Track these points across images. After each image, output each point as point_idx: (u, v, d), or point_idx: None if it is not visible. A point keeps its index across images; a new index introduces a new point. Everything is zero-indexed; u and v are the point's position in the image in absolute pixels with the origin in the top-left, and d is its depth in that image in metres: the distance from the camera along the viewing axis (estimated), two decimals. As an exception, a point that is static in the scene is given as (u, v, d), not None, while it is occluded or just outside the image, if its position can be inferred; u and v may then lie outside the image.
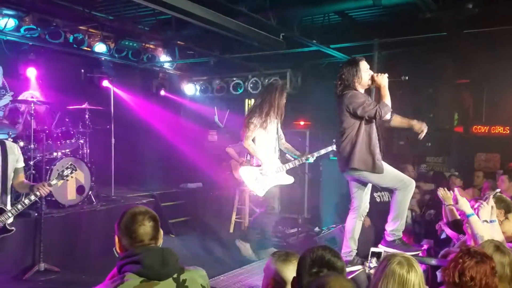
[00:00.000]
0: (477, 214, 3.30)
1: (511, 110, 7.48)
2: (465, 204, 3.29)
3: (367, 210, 4.21)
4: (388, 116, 3.81)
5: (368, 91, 4.12)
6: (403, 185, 3.93)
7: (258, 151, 4.87)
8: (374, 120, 3.86)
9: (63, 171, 3.72)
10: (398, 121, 4.12)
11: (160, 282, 1.86)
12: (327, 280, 1.53)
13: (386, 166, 3.94)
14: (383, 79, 3.80)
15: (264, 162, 4.87)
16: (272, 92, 4.95)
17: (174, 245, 5.74)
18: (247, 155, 5.38)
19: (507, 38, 6.12)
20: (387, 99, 3.79)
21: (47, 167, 5.52)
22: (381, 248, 3.94)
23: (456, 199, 3.37)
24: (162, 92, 9.21)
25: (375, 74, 3.86)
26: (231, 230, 7.26)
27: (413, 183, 3.97)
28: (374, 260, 2.65)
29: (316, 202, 7.71)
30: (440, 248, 4.65)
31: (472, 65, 7.16)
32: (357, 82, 3.85)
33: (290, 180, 5.03)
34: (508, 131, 7.69)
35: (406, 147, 7.05)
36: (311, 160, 5.07)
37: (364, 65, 3.89)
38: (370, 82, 3.90)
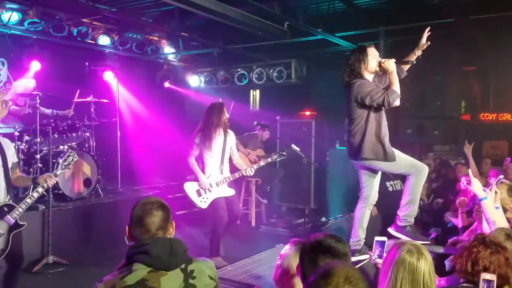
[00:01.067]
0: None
1: (518, 97, 7.41)
2: (478, 187, 3.23)
3: (376, 199, 4.20)
4: (397, 103, 3.72)
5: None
6: (416, 170, 3.90)
7: (197, 169, 5.23)
8: (383, 108, 3.82)
9: (65, 159, 3.75)
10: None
11: (168, 272, 1.86)
12: (332, 267, 1.51)
13: (397, 153, 3.92)
14: (390, 65, 3.74)
15: (201, 179, 5.19)
16: (212, 113, 5.20)
17: (182, 236, 5.73)
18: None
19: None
20: (395, 86, 3.72)
21: (54, 161, 5.53)
22: (392, 232, 3.95)
23: (469, 181, 3.30)
24: (167, 84, 9.20)
25: (382, 60, 3.80)
26: (238, 221, 7.29)
27: (426, 168, 3.95)
28: (378, 249, 2.63)
29: (322, 192, 7.70)
30: (447, 236, 4.65)
31: (479, 52, 7.07)
32: (363, 68, 3.80)
33: (231, 192, 5.35)
34: (516, 118, 7.62)
35: (414, 135, 7.00)
36: (251, 172, 5.35)
37: (371, 51, 3.84)
38: (377, 69, 3.84)
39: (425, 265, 1.99)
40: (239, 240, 5.82)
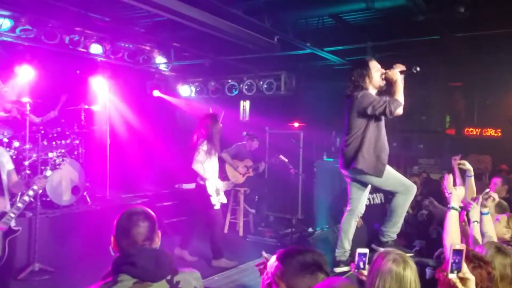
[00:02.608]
0: (468, 215, 3.31)
1: (502, 112, 7.58)
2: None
3: (363, 212, 4.24)
4: (399, 111, 3.69)
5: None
6: (404, 189, 3.92)
7: (207, 172, 5.52)
8: (383, 119, 3.83)
9: (54, 160, 3.73)
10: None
11: (154, 284, 1.86)
12: (334, 283, 1.54)
13: (389, 169, 3.91)
14: (395, 74, 3.73)
15: (217, 180, 5.61)
16: (212, 123, 5.59)
17: (169, 245, 5.78)
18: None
19: (498, 42, 6.21)
20: (397, 95, 3.69)
21: (42, 168, 5.53)
22: (375, 248, 3.99)
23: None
24: (158, 93, 9.24)
25: (387, 71, 3.80)
26: (226, 230, 7.32)
27: (414, 188, 3.96)
28: (360, 261, 2.68)
29: (309, 202, 7.77)
30: (432, 248, 4.71)
31: (464, 68, 7.24)
32: (368, 82, 3.81)
33: (225, 200, 5.79)
34: (500, 133, 7.80)
35: (399, 148, 7.12)
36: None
37: (373, 64, 3.85)
38: (382, 83, 3.84)
39: (411, 273, 2.04)
40: (226, 250, 5.85)
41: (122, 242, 2.02)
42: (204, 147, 5.46)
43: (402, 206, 3.97)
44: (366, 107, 3.70)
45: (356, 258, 2.71)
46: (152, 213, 2.14)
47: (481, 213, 3.22)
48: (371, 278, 2.09)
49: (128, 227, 2.02)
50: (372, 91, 3.86)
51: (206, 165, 5.50)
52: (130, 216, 2.05)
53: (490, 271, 2.25)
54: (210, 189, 5.51)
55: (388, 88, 3.88)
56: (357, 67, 3.89)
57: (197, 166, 5.48)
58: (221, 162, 7.42)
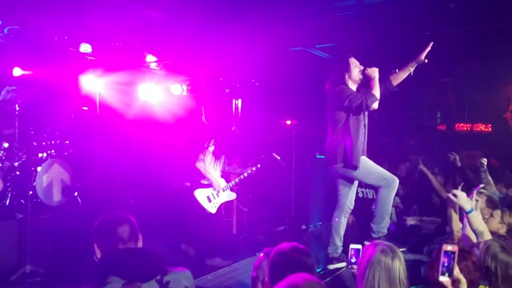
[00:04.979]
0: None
1: (493, 108, 7.64)
2: (464, 199, 3.12)
3: (352, 208, 4.28)
4: (375, 106, 3.88)
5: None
6: (386, 183, 4.01)
7: (208, 172, 5.59)
8: (361, 114, 3.95)
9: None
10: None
11: (143, 284, 1.84)
12: (296, 283, 1.53)
13: (370, 163, 4.02)
14: (374, 72, 3.94)
15: (215, 182, 5.61)
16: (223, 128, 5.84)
17: (160, 245, 5.75)
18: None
19: (488, 38, 6.24)
20: (374, 90, 3.88)
21: (32, 168, 5.49)
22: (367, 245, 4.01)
23: (455, 194, 3.28)
24: (150, 92, 9.17)
25: (367, 69, 3.99)
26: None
27: (396, 181, 4.05)
28: (354, 256, 2.70)
29: (302, 200, 7.78)
30: (423, 243, 4.74)
31: (455, 64, 7.27)
32: (347, 77, 3.99)
33: (233, 196, 5.88)
34: (490, 129, 7.86)
35: (390, 145, 7.15)
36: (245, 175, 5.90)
37: (353, 61, 4.04)
38: (360, 76, 4.01)
39: (399, 263, 2.09)
40: (220, 248, 5.83)
41: (108, 242, 2.02)
42: (210, 148, 5.60)
43: (386, 199, 4.05)
44: (343, 100, 3.87)
45: (349, 254, 2.73)
46: (129, 215, 2.16)
47: (466, 212, 3.17)
48: (361, 269, 2.14)
49: (113, 226, 2.04)
50: (352, 86, 4.04)
51: (209, 166, 5.58)
52: (112, 217, 2.09)
53: (474, 260, 2.27)
54: (199, 198, 5.56)
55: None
56: (338, 62, 4.18)
57: (199, 165, 5.57)
58: None
